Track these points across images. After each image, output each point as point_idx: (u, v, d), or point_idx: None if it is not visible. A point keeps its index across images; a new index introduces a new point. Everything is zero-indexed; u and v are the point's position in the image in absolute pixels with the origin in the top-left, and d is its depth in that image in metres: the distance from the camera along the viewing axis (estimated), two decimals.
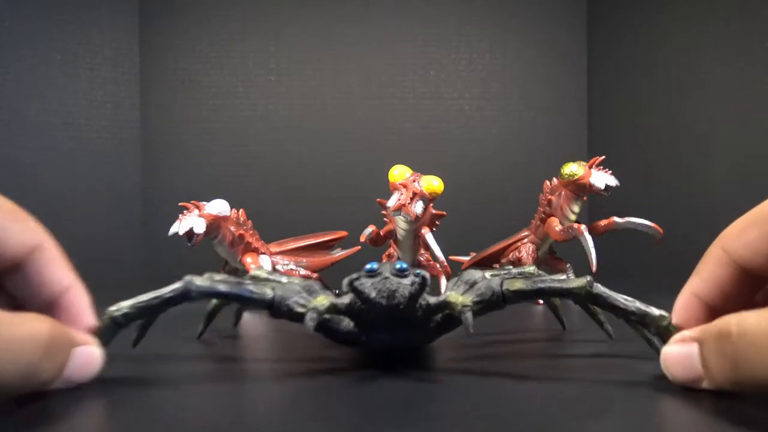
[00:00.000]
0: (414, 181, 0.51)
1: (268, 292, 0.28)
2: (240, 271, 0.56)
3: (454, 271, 0.61)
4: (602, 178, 0.53)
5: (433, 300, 0.28)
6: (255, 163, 0.91)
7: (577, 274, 0.58)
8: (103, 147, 0.86)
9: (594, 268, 0.53)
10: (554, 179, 0.57)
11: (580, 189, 0.54)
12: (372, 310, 0.27)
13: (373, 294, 0.26)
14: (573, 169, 0.54)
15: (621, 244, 0.72)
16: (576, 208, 0.55)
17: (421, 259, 0.57)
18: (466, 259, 0.67)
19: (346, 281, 0.27)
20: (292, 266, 0.58)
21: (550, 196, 0.57)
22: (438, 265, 0.57)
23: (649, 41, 0.86)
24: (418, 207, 0.51)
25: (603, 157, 0.55)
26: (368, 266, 0.28)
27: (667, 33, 0.84)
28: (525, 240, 0.60)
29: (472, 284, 0.29)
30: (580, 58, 0.95)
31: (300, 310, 0.27)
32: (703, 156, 0.79)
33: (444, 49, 0.94)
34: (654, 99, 0.85)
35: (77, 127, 0.84)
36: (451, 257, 0.63)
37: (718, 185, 0.76)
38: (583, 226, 0.54)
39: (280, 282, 0.29)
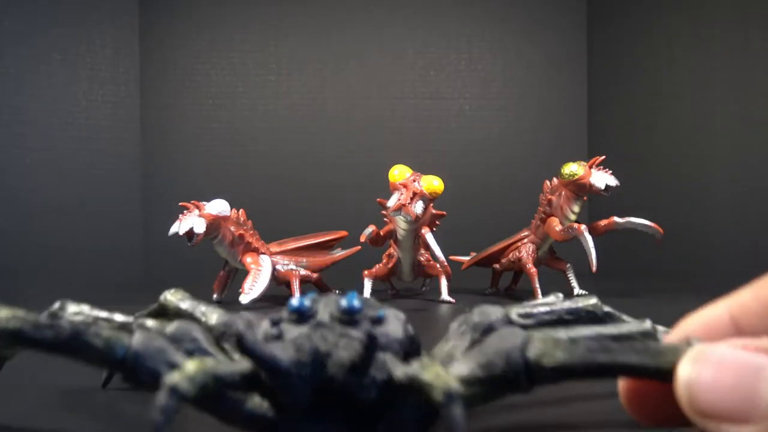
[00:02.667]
0: (414, 181, 0.51)
1: (119, 345, 0.17)
2: (239, 270, 0.56)
3: (455, 271, 0.61)
4: (602, 178, 0.53)
5: (398, 371, 0.16)
6: (255, 163, 0.91)
7: (577, 274, 0.58)
8: (103, 147, 0.86)
9: (594, 268, 0.53)
10: (554, 179, 0.57)
11: (580, 189, 0.54)
12: (289, 386, 0.16)
13: (285, 358, 0.16)
14: (573, 169, 0.54)
15: (621, 244, 0.72)
16: (576, 208, 0.55)
17: (421, 259, 0.57)
18: (466, 259, 0.67)
19: (261, 335, 0.17)
20: (292, 266, 0.58)
21: (550, 196, 0.57)
22: (438, 265, 0.57)
23: (649, 41, 0.86)
24: (418, 207, 0.51)
25: (603, 157, 0.55)
26: (295, 302, 0.17)
27: (667, 33, 0.84)
28: (525, 240, 0.60)
29: (484, 332, 0.18)
30: (580, 58, 0.95)
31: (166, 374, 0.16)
32: (703, 156, 0.79)
33: (444, 49, 0.94)
34: (654, 99, 0.85)
35: (77, 127, 0.84)
36: (451, 257, 0.63)
37: (718, 185, 0.76)
38: (583, 226, 0.54)
39: (150, 327, 0.19)
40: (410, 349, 0.18)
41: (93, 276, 0.77)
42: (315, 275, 0.59)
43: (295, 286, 0.56)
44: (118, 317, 0.22)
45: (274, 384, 0.17)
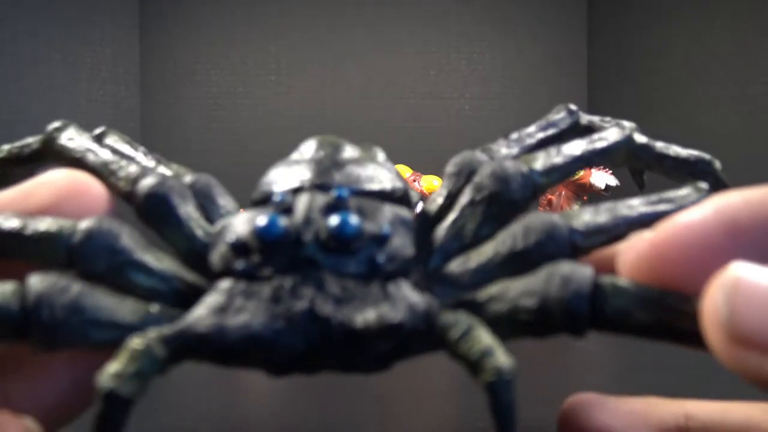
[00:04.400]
0: (414, 181, 0.52)
1: (9, 302, 0.11)
2: None
3: None
4: (602, 178, 0.54)
5: (419, 325, 0.12)
6: (255, 163, 0.91)
7: None
8: None
9: None
10: None
11: (580, 188, 0.54)
12: (267, 359, 0.12)
13: (266, 328, 0.12)
14: None
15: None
16: (576, 208, 0.55)
17: None
18: None
19: (219, 261, 0.13)
20: None
21: (550, 196, 0.57)
22: None
23: (649, 42, 0.86)
24: (418, 207, 0.51)
25: None
26: (263, 222, 0.13)
27: (667, 33, 0.84)
28: None
29: (503, 207, 0.14)
30: (581, 58, 0.95)
31: (105, 336, 0.12)
32: None
33: (444, 49, 0.94)
34: (654, 99, 0.85)
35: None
36: None
37: None
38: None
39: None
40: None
41: None
42: None
43: None
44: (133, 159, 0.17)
45: (246, 356, 0.12)
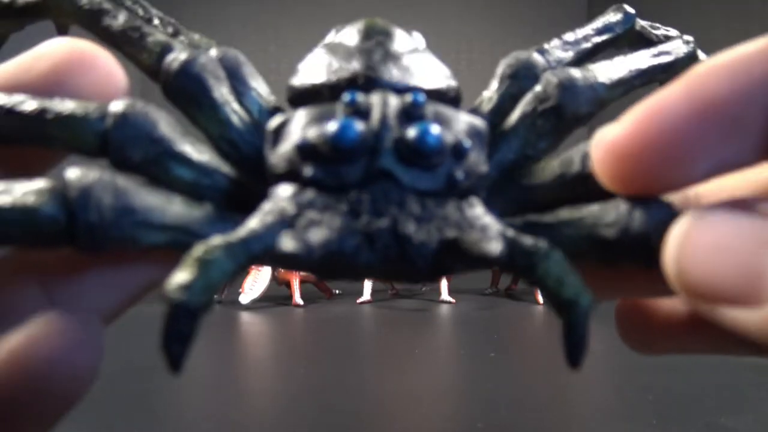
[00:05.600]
0: None
1: (46, 203, 0.10)
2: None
3: None
4: None
5: (501, 254, 0.11)
6: None
7: None
8: None
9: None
10: None
11: None
12: (341, 268, 0.11)
13: (347, 249, 0.11)
14: None
15: None
16: None
17: None
18: None
19: (282, 163, 0.12)
20: None
21: None
22: None
23: None
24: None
25: None
26: (339, 130, 0.11)
27: None
28: None
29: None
30: None
31: (161, 239, 0.11)
32: None
33: (444, 49, 0.94)
34: None
35: None
36: None
37: None
38: None
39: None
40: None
41: None
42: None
43: (295, 286, 0.56)
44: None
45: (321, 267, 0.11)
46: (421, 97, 0.12)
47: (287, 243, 0.11)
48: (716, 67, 0.10)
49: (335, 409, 0.23)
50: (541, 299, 0.55)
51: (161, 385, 0.26)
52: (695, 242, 0.09)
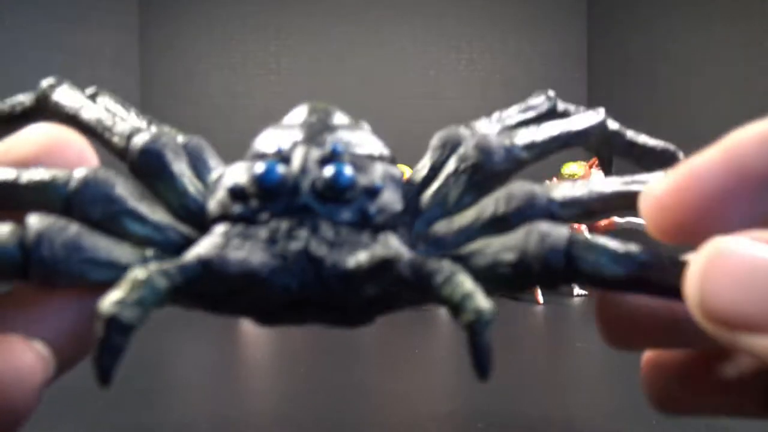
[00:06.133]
0: None
1: (8, 242, 0.12)
2: None
3: None
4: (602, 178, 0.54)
5: (407, 270, 0.12)
6: None
7: None
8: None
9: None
10: (554, 179, 0.57)
11: None
12: (263, 296, 0.12)
13: (264, 265, 0.12)
14: (573, 169, 0.54)
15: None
16: None
17: None
18: None
19: (216, 207, 0.13)
20: None
21: None
22: None
23: (649, 42, 0.87)
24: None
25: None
26: (261, 170, 0.13)
27: (668, 33, 0.84)
28: None
29: (486, 174, 0.15)
30: (581, 58, 0.95)
31: (102, 276, 0.12)
32: None
33: (444, 49, 0.94)
34: (654, 99, 0.85)
35: None
36: None
37: None
38: (583, 226, 0.54)
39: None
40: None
41: None
42: None
43: None
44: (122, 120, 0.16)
45: (241, 292, 0.12)
46: (341, 147, 0.14)
47: (203, 254, 0.12)
48: (753, 134, 0.11)
49: (335, 408, 0.23)
50: (541, 299, 0.55)
51: (161, 386, 0.26)
52: (719, 270, 0.10)
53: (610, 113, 0.20)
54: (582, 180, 0.14)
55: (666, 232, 0.11)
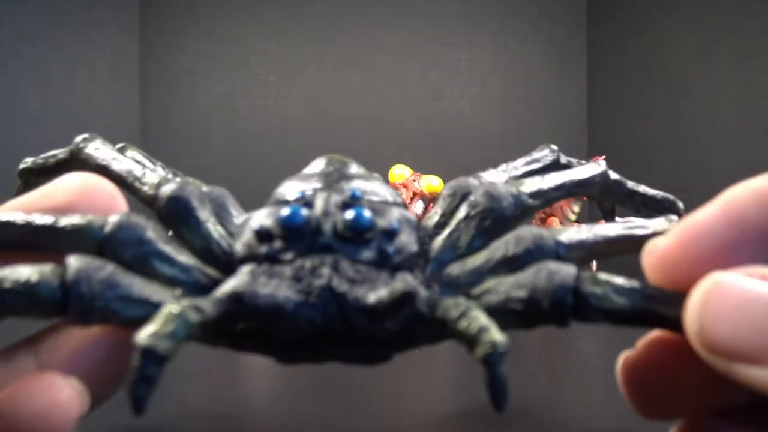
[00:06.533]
0: (414, 181, 0.52)
1: (50, 281, 0.12)
2: None
3: None
4: None
5: (425, 307, 0.13)
6: (255, 162, 0.92)
7: None
8: None
9: (594, 268, 0.53)
10: None
11: None
12: (291, 329, 0.13)
13: (290, 301, 0.13)
14: None
15: None
16: (576, 208, 0.55)
17: None
18: None
19: (243, 249, 0.14)
20: None
21: None
22: None
23: (650, 41, 0.87)
24: (418, 207, 0.51)
25: (603, 156, 0.55)
26: (287, 213, 0.14)
27: (668, 33, 0.84)
28: None
29: (495, 221, 0.15)
30: (580, 58, 0.95)
31: (136, 313, 0.13)
32: (703, 156, 0.79)
33: (444, 49, 0.94)
34: (654, 99, 0.85)
35: (77, 127, 0.84)
36: None
37: (718, 185, 0.76)
38: (583, 226, 0.54)
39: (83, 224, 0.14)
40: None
41: None
42: None
43: None
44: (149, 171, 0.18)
45: (267, 325, 0.13)
46: (359, 192, 0.15)
47: (235, 287, 0.13)
48: (749, 190, 0.12)
49: (334, 408, 0.23)
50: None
51: (162, 385, 0.26)
52: (717, 304, 0.11)
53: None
54: (589, 226, 0.15)
55: (670, 284, 0.12)
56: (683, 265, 0.12)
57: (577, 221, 0.56)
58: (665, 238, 0.12)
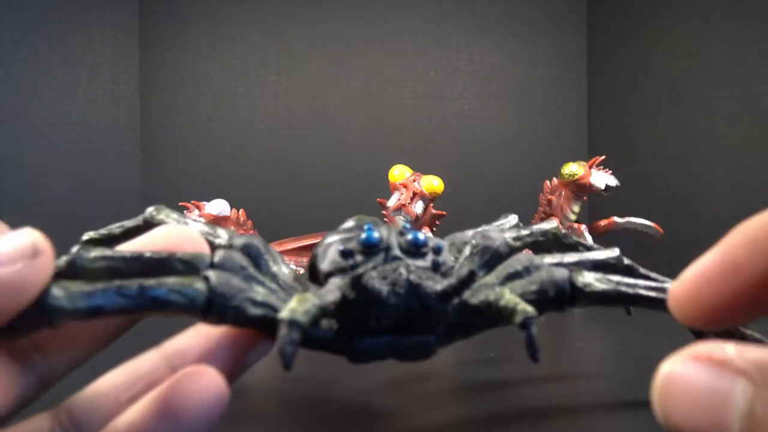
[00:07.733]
0: (414, 181, 0.52)
1: (198, 286, 0.17)
2: None
3: None
4: (602, 178, 0.54)
5: (474, 299, 0.19)
6: (255, 163, 0.91)
7: None
8: (103, 147, 0.86)
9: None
10: (554, 179, 0.57)
11: (580, 189, 0.54)
12: (381, 313, 0.18)
13: (384, 291, 0.18)
14: (573, 169, 0.54)
15: (621, 244, 0.72)
16: (576, 208, 0.55)
17: None
18: None
19: (330, 266, 0.20)
20: (292, 266, 0.58)
21: (550, 196, 0.57)
22: None
23: (649, 41, 0.87)
24: (418, 207, 0.51)
25: (603, 157, 0.55)
26: (366, 235, 0.19)
27: (667, 33, 0.84)
28: None
29: (491, 257, 0.22)
30: (580, 58, 0.95)
31: (257, 312, 0.17)
32: (703, 156, 0.79)
33: (444, 49, 0.94)
34: (654, 99, 0.85)
35: (77, 127, 0.84)
36: None
37: (718, 185, 0.76)
38: (583, 226, 0.54)
39: (208, 252, 0.19)
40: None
41: None
42: None
43: None
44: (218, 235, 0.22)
45: (364, 311, 0.18)
46: (408, 225, 0.22)
47: (362, 276, 0.18)
48: (741, 236, 0.13)
49: (334, 408, 0.23)
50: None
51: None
52: (672, 392, 0.12)
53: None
54: (613, 277, 0.20)
55: (690, 322, 0.14)
56: (693, 309, 0.14)
57: (577, 221, 0.56)
58: (675, 284, 0.14)
